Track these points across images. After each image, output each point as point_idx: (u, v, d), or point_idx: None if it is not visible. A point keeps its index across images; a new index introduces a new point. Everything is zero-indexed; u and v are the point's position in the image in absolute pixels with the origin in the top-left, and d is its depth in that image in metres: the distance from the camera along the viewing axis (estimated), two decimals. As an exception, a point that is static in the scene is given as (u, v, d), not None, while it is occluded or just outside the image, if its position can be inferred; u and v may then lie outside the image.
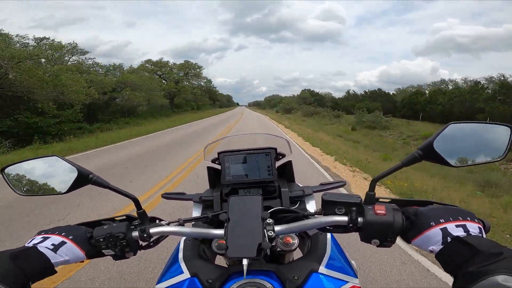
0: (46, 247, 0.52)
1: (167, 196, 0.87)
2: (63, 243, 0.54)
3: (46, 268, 0.50)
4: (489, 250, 0.41)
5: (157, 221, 0.65)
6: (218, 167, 0.82)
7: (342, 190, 3.78)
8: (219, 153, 0.82)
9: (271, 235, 0.56)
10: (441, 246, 0.47)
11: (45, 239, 0.54)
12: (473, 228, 0.47)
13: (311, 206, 0.80)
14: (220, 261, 0.76)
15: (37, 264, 0.49)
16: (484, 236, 0.48)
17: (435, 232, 0.48)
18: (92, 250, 0.57)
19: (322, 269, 0.60)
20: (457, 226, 0.47)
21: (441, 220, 0.49)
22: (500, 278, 0.36)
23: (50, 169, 0.63)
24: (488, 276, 0.37)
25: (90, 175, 0.59)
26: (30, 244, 0.53)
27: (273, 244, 0.65)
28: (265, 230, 0.55)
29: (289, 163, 0.86)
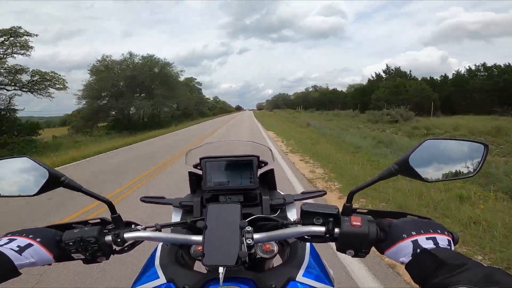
0: (11, 249, 0.51)
1: (146, 199, 0.85)
2: (29, 245, 0.53)
3: (9, 270, 0.49)
4: (454, 262, 0.42)
5: (133, 226, 0.63)
6: (200, 172, 0.81)
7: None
8: (201, 159, 0.81)
9: (250, 243, 0.56)
10: (410, 258, 0.48)
11: (10, 240, 0.53)
12: (442, 240, 0.49)
13: (292, 214, 0.80)
14: (201, 267, 0.75)
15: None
16: (453, 248, 0.49)
17: (406, 244, 0.49)
18: (61, 253, 0.56)
19: (299, 277, 0.60)
20: (427, 238, 0.49)
21: (412, 233, 0.50)
22: None
23: (20, 171, 0.61)
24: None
25: (62, 178, 0.57)
26: None
27: (252, 251, 0.64)
28: (243, 238, 0.55)
29: (271, 171, 0.86)
